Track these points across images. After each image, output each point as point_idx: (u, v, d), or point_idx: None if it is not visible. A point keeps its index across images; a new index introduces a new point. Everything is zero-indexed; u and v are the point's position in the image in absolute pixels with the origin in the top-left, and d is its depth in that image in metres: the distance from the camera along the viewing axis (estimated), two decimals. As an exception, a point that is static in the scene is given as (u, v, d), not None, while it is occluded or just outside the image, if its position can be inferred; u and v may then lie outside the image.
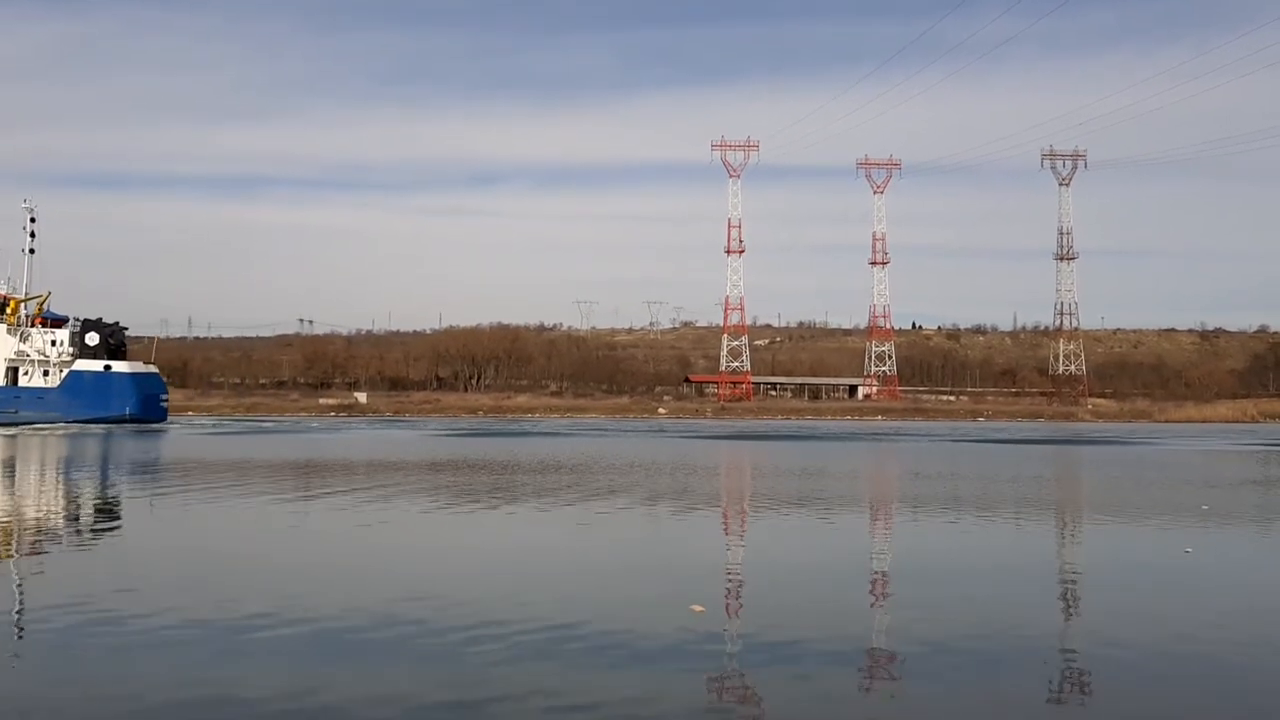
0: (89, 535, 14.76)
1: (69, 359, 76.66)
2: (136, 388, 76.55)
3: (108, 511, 18.07)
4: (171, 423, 78.94)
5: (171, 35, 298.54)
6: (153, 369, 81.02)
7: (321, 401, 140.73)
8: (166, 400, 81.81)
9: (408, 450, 41.23)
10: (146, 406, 76.47)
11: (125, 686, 6.79)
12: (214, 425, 77.47)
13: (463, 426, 79.75)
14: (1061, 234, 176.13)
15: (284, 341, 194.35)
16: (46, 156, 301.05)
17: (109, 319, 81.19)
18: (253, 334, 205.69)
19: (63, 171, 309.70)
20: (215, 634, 8.20)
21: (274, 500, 19.46)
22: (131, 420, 73.64)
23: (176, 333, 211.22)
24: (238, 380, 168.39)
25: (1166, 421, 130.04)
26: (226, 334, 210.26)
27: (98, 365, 76.25)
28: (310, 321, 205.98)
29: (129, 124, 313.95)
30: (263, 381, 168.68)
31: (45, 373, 76.50)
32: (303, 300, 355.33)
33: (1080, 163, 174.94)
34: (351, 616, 8.82)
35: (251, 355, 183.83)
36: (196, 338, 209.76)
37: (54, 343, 77.31)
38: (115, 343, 79.46)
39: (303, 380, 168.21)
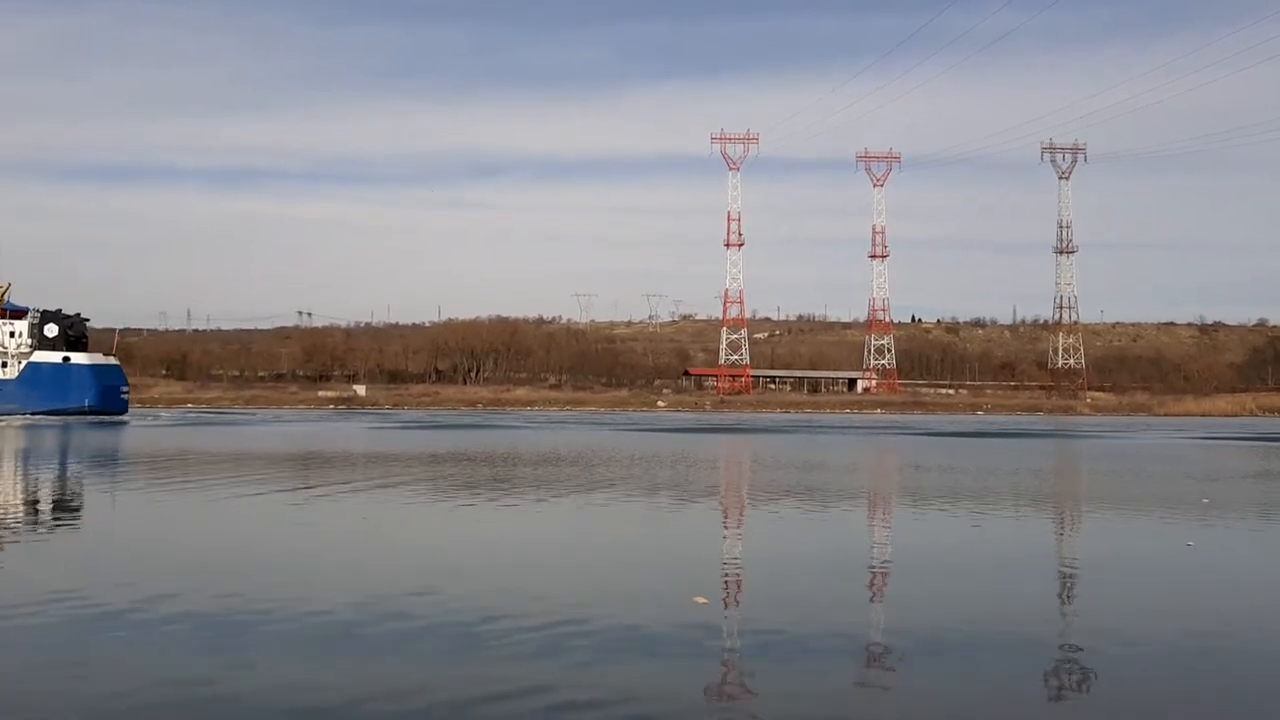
0: (46, 528, 14.74)
1: (27, 350, 76.40)
2: (96, 380, 76.25)
3: (64, 504, 18.00)
4: (132, 414, 78.50)
5: (169, 27, 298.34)
6: (112, 361, 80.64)
7: (320, 394, 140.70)
8: (127, 392, 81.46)
9: (386, 443, 41.20)
10: (106, 398, 76.19)
11: (126, 681, 6.78)
12: (174, 417, 77.21)
13: (420, 419, 79.71)
14: (1061, 227, 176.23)
15: (283, 334, 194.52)
16: (44, 149, 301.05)
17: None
18: (251, 326, 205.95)
19: (60, 164, 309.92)
20: (211, 628, 8.20)
21: (236, 494, 19.43)
22: (91, 412, 73.35)
23: (176, 325, 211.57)
24: (237, 372, 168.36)
25: (1165, 415, 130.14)
26: (225, 326, 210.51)
27: (56, 357, 76.02)
28: (309, 314, 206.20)
29: (127, 116, 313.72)
30: (262, 374, 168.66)
31: (3, 364, 76.13)
32: (301, 293, 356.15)
33: (1080, 156, 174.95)
34: (351, 611, 8.81)
35: (250, 347, 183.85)
36: (195, 330, 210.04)
37: (12, 334, 76.97)
38: (75, 335, 79.12)
39: (301, 373, 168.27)
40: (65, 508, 17.45)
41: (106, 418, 70.50)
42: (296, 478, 23.44)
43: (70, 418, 68.58)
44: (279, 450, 35.22)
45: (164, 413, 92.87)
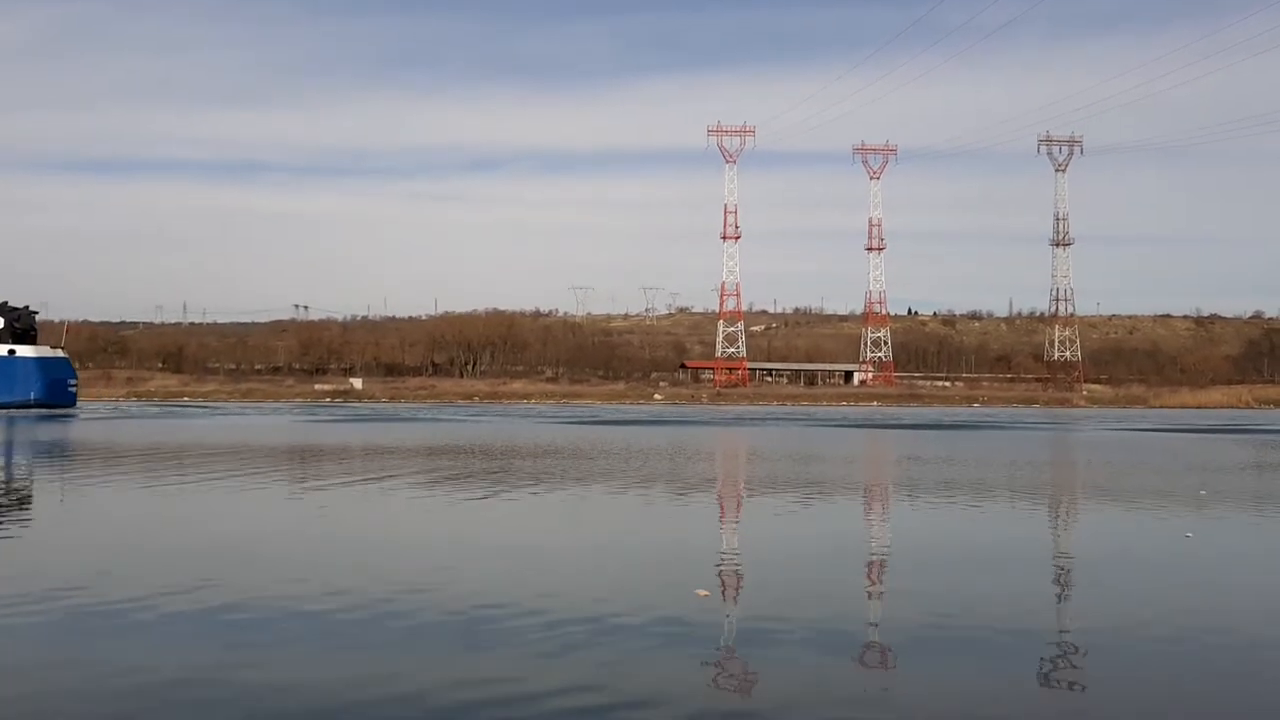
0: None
1: None
2: (42, 372, 75.88)
3: (10, 498, 17.98)
4: (81, 408, 78.11)
5: (166, 18, 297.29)
6: (60, 353, 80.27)
7: (317, 387, 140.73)
8: (75, 385, 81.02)
9: (343, 437, 41.17)
10: (53, 391, 75.86)
11: (133, 679, 6.78)
12: (124, 410, 77.05)
13: (359, 412, 79.69)
14: (1057, 220, 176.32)
15: (279, 327, 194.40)
16: (41, 140, 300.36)
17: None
18: (248, 320, 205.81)
19: (57, 156, 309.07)
20: (198, 625, 8.20)
21: (192, 486, 19.42)
22: (37, 405, 72.92)
23: (172, 318, 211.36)
24: (233, 366, 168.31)
25: (1161, 407, 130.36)
26: (222, 320, 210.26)
27: (1, 350, 75.62)
28: (305, 307, 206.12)
29: (124, 108, 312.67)
30: (258, 367, 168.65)
31: None
32: (298, 286, 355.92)
33: (1077, 148, 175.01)
34: (349, 607, 8.81)
35: (247, 341, 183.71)
36: (192, 323, 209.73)
37: None
38: (22, 327, 78.73)
39: (298, 366, 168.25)
40: (11, 501, 17.37)
41: (53, 411, 70.00)
42: (240, 473, 23.41)
43: (15, 411, 68.05)
44: (224, 443, 35.21)
45: (117, 405, 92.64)
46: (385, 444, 34.72)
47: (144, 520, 14.78)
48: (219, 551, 11.58)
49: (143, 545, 12.27)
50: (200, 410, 79.04)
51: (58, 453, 29.36)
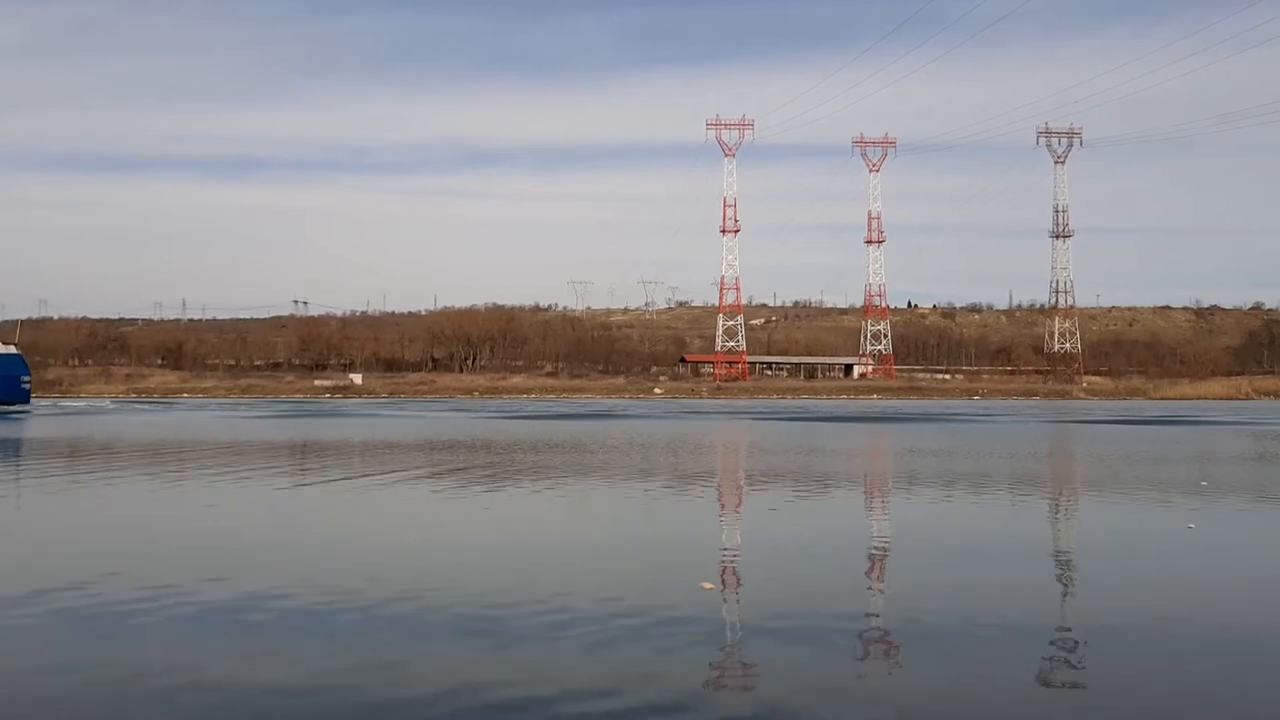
0: None
1: None
2: None
3: None
4: (35, 405, 77.77)
5: (167, 18, 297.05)
6: (12, 350, 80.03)
7: (317, 383, 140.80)
8: (29, 382, 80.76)
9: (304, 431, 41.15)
10: (5, 388, 75.62)
11: (147, 679, 6.78)
12: (82, 407, 76.82)
13: (297, 408, 79.64)
14: (1057, 212, 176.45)
15: (279, 323, 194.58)
16: (41, 140, 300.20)
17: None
18: (247, 316, 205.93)
19: (57, 154, 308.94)
20: (202, 621, 8.19)
21: (160, 483, 19.41)
22: None
23: (171, 315, 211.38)
24: (232, 362, 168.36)
25: (1161, 398, 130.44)
26: (221, 316, 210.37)
27: None
28: (305, 303, 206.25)
29: (121, 106, 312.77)
30: (258, 363, 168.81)
31: None
32: (297, 282, 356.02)
33: (1076, 140, 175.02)
34: (344, 606, 8.80)
35: (246, 337, 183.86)
36: (191, 320, 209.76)
37: None
38: None
39: (298, 362, 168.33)
40: None
41: (5, 408, 69.67)
42: (230, 470, 23.40)
43: None
44: (194, 440, 35.18)
45: (69, 402, 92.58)
46: (385, 439, 34.71)
47: (100, 519, 14.77)
48: (204, 550, 11.57)
49: (105, 543, 12.26)
50: (183, 407, 78.96)
51: (10, 450, 29.11)
